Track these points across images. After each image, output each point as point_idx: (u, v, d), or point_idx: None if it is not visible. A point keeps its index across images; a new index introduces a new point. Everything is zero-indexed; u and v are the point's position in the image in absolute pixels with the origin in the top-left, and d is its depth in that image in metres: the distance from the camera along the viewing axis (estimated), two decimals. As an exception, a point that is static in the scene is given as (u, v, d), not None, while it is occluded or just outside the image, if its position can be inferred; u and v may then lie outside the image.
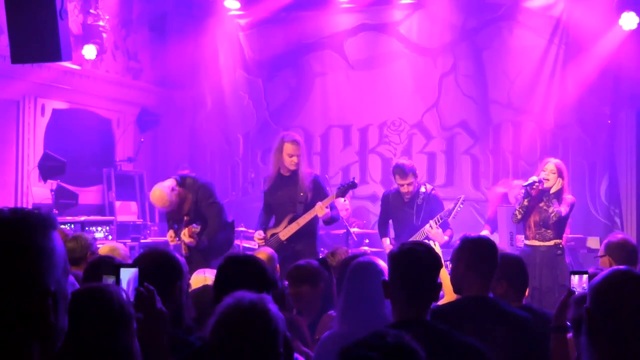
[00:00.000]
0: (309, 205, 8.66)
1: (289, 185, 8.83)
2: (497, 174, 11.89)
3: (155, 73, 13.13)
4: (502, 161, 11.90)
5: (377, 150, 12.67)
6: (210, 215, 8.77)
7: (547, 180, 8.51)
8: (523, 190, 8.69)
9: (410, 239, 8.68)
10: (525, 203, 8.55)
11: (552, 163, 8.63)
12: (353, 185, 8.73)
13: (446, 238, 8.85)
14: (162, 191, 8.65)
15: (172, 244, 8.99)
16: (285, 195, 8.83)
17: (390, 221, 9.47)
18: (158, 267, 3.99)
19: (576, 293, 3.92)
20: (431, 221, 8.86)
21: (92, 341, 2.90)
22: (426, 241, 7.82)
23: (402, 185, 9.09)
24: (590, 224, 11.12)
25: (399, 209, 9.21)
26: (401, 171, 9.13)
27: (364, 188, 12.63)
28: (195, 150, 13.40)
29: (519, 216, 8.60)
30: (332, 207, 8.79)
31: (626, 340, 2.87)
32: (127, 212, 11.62)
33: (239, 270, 3.85)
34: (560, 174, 8.56)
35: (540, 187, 8.50)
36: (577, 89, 11.39)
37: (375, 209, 12.00)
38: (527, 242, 8.67)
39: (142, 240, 10.79)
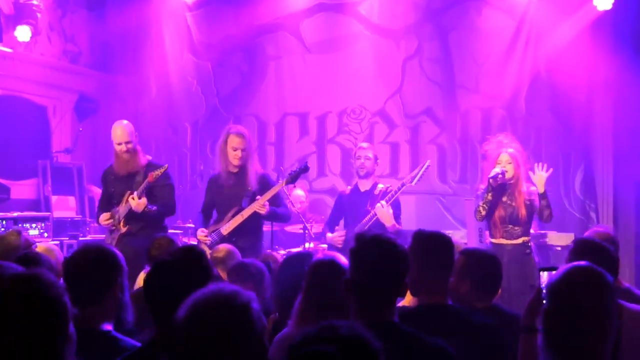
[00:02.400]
0: (253, 199, 8.70)
1: (236, 182, 8.87)
2: (465, 165, 11.97)
3: (95, 56, 13.05)
4: (471, 151, 11.96)
5: (337, 140, 12.70)
6: (163, 197, 8.85)
7: (507, 171, 8.57)
8: (483, 186, 8.74)
9: (361, 223, 8.85)
10: (489, 197, 8.57)
11: (505, 153, 8.64)
12: (305, 170, 8.76)
13: (395, 224, 8.83)
14: (128, 124, 9.00)
15: (105, 224, 8.99)
16: (231, 192, 8.87)
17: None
18: (95, 262, 3.99)
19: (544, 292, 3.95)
20: (383, 200, 8.88)
21: (13, 339, 2.79)
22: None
23: (360, 157, 9.25)
24: (564, 220, 11.18)
25: (354, 202, 9.31)
26: (361, 144, 9.56)
27: (322, 181, 12.66)
28: (139, 141, 13.31)
29: (483, 212, 8.61)
30: (280, 202, 8.87)
31: (583, 344, 2.91)
32: (64, 207, 11.55)
33: (172, 272, 3.75)
34: (516, 163, 8.62)
35: (502, 180, 8.55)
36: (549, 74, 11.48)
37: (335, 202, 12.05)
38: (494, 240, 8.69)
39: (80, 238, 10.74)
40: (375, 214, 8.87)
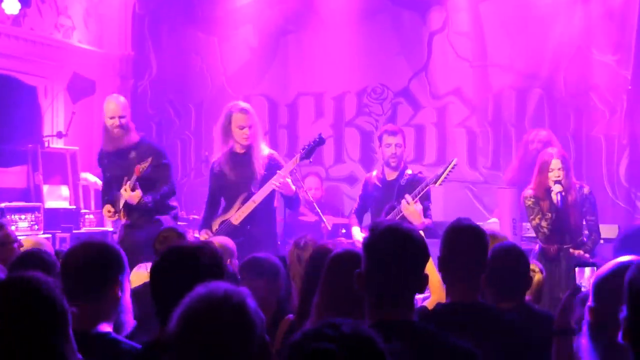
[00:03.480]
0: (263, 184, 8.68)
1: (243, 164, 8.84)
2: (497, 151, 11.93)
3: (90, 31, 13.07)
4: (504, 135, 11.93)
5: (355, 123, 12.69)
6: (161, 178, 8.89)
7: (561, 179, 8.48)
8: (531, 192, 8.63)
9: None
10: (553, 217, 8.48)
11: (556, 159, 8.46)
12: (321, 142, 8.72)
13: (425, 220, 8.58)
14: (122, 98, 9.16)
15: (110, 219, 9.14)
16: (238, 176, 8.84)
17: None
18: (95, 258, 4.02)
19: (583, 290, 3.93)
20: (407, 195, 8.57)
21: (12, 342, 2.92)
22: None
23: (390, 145, 8.98)
24: (607, 210, 11.13)
25: (378, 190, 9.12)
26: (389, 130, 9.15)
27: (339, 168, 12.65)
28: (138, 124, 13.30)
29: (548, 233, 8.48)
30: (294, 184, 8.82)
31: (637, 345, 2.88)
32: (56, 197, 11.57)
33: (180, 261, 3.76)
34: (567, 167, 8.53)
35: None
36: (591, 49, 11.44)
37: (353, 192, 12.01)
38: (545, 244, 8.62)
39: (74, 231, 10.75)
40: (401, 211, 8.61)
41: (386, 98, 12.51)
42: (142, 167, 8.67)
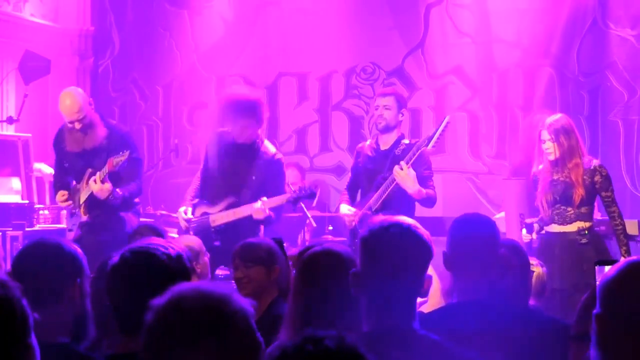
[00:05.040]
0: (255, 193, 8.58)
1: (244, 157, 8.69)
2: (502, 137, 11.92)
3: (44, 3, 13.01)
4: (510, 120, 11.93)
5: (343, 106, 12.68)
6: (130, 173, 8.78)
7: (550, 153, 8.44)
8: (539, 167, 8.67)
9: (376, 194, 8.65)
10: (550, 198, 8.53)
11: (545, 131, 8.39)
12: (311, 196, 8.62)
13: (422, 189, 8.52)
14: (79, 92, 8.72)
15: (64, 205, 9.01)
16: (234, 167, 8.71)
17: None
18: (48, 263, 4.00)
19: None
20: (402, 161, 8.49)
21: None
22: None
23: (378, 107, 8.92)
24: (626, 203, 11.12)
25: (371, 161, 9.02)
26: (380, 92, 9.22)
27: (325, 157, 12.64)
28: (99, 107, 13.28)
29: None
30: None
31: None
32: (7, 190, 11.53)
33: (143, 263, 3.67)
34: (560, 136, 8.34)
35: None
36: (609, 23, 11.43)
37: (341, 184, 11.99)
38: (546, 227, 8.63)
39: (27, 229, 10.72)
40: (394, 180, 8.54)
41: (378, 78, 12.50)
42: (116, 160, 8.48)
